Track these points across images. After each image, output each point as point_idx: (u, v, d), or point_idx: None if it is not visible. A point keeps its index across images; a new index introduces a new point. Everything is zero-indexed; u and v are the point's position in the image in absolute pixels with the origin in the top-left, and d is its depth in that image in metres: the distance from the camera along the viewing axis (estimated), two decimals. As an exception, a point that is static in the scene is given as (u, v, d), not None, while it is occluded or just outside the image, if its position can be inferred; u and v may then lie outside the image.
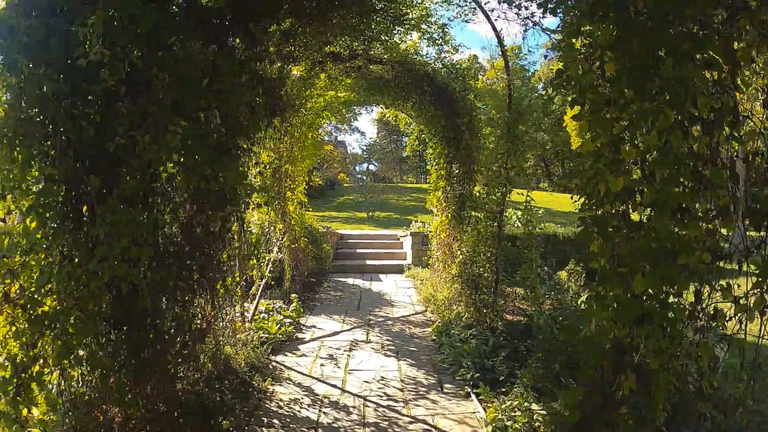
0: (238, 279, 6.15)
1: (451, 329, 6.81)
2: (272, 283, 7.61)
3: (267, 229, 8.65)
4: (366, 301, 9.22)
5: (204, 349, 5.20)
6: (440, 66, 7.93)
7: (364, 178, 45.77)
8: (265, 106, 6.71)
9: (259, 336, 6.55)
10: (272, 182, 7.82)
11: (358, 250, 14.02)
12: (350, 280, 11.26)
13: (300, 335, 7.14)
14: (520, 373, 5.17)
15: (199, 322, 4.86)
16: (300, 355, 6.30)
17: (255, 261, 7.24)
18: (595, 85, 3.00)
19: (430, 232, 10.68)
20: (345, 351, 6.43)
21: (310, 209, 10.95)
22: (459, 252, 8.50)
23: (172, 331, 4.00)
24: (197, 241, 4.24)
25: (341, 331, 7.30)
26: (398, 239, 15.55)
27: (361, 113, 38.62)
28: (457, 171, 8.01)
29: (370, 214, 27.50)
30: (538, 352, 5.31)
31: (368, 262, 12.90)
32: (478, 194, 7.30)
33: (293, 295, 8.12)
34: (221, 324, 5.74)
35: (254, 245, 6.17)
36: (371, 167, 62.01)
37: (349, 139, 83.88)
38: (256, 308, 7.16)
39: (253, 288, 7.29)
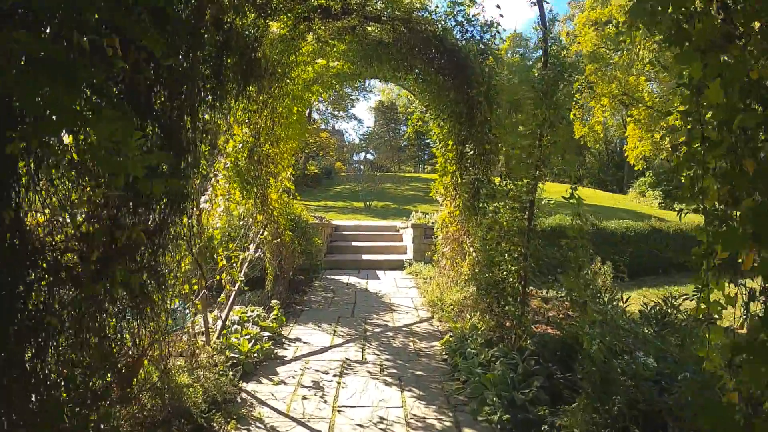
0: (196, 287, 4.73)
1: (467, 346, 5.40)
2: (245, 288, 6.17)
3: (245, 221, 7.19)
4: (362, 305, 7.79)
5: (141, 380, 3.84)
6: (453, 24, 6.42)
7: (362, 167, 44.30)
8: (237, 70, 5.29)
9: (228, 357, 5.14)
10: (248, 165, 6.36)
11: (354, 243, 12.57)
12: (344, 278, 9.82)
13: (281, 352, 5.72)
14: (565, 420, 3.80)
15: (130, 351, 3.49)
16: (278, 383, 4.88)
17: (225, 262, 5.82)
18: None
19: (435, 224, 9.24)
20: (334, 376, 5.01)
21: (298, 197, 9.49)
22: (472, 249, 7.06)
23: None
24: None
25: (331, 347, 5.87)
26: (397, 231, 14.10)
27: (358, 99, 36.98)
28: (470, 152, 6.54)
29: (368, 203, 26.03)
30: (587, 387, 3.93)
31: (365, 256, 11.46)
32: (500, 179, 5.84)
33: (274, 302, 6.68)
34: (170, 347, 4.36)
35: (213, 244, 4.74)
36: (369, 156, 60.47)
37: (346, 126, 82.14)
38: (225, 320, 5.72)
39: (222, 295, 5.85)
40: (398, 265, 10.89)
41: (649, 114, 24.09)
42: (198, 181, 4.71)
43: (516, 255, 5.17)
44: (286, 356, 5.58)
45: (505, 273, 5.32)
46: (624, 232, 12.72)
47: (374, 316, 7.19)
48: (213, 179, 5.93)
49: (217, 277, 5.70)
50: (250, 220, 6.94)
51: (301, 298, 8.15)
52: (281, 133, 7.38)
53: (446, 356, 5.52)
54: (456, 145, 7.09)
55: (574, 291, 4.12)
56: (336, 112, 39.91)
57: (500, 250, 5.44)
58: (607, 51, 23.98)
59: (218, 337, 5.49)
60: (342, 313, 7.28)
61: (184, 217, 3.96)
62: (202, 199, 5.53)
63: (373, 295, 8.50)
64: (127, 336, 3.36)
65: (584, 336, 4.18)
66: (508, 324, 5.44)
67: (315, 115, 39.81)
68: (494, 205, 5.82)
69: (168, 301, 3.84)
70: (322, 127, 39.08)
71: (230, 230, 7.73)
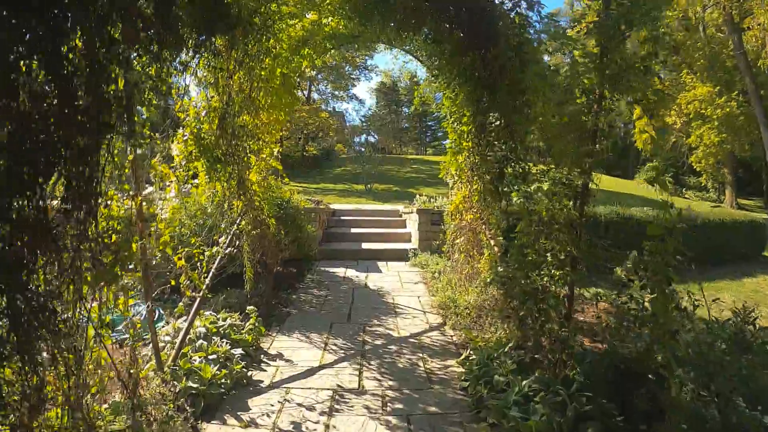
0: (127, 301, 3.45)
1: (493, 371, 4.12)
2: (209, 296, 4.85)
3: (220, 208, 5.86)
4: (360, 306, 6.50)
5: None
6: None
7: (362, 149, 42.72)
8: (195, 14, 4.01)
9: (186, 387, 3.87)
10: (218, 138, 5.01)
11: (353, 230, 11.25)
12: (341, 271, 8.52)
13: (257, 375, 4.44)
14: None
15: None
16: (246, 425, 3.61)
17: (183, 262, 4.51)
18: None
19: (446, 210, 7.90)
20: (322, 414, 3.73)
21: (286, 180, 8.12)
22: (492, 242, 5.73)
23: None
24: None
25: (320, 368, 4.58)
26: (400, 215, 12.76)
27: (359, 79, 35.30)
28: (495, 123, 5.17)
29: (368, 186, 24.65)
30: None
31: (365, 245, 10.14)
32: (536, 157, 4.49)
33: (250, 308, 5.38)
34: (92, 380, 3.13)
35: (165, 239, 3.45)
36: (370, 139, 58.83)
37: (347, 107, 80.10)
38: (186, 335, 4.43)
39: (180, 305, 4.57)
40: (401, 256, 9.57)
41: (660, 96, 22.70)
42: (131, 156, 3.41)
43: (563, 256, 3.84)
44: (262, 382, 4.30)
45: (546, 279, 4.00)
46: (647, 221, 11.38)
47: (374, 321, 5.90)
48: (170, 154, 4.60)
49: (172, 282, 4.40)
50: (226, 206, 5.60)
51: (290, 296, 6.85)
52: (263, 101, 5.99)
53: (466, 383, 4.22)
54: (474, 115, 5.71)
55: (660, 317, 2.81)
56: (336, 92, 38.17)
57: (539, 249, 4.11)
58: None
59: (175, 360, 4.21)
60: (336, 318, 5.98)
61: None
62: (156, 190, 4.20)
63: (373, 293, 7.20)
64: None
65: (672, 378, 2.88)
66: (545, 342, 4.14)
67: (315, 95, 38.18)
68: (526, 188, 4.49)
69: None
70: (322, 107, 37.45)
71: (206, 219, 6.44)
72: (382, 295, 7.03)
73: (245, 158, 5.92)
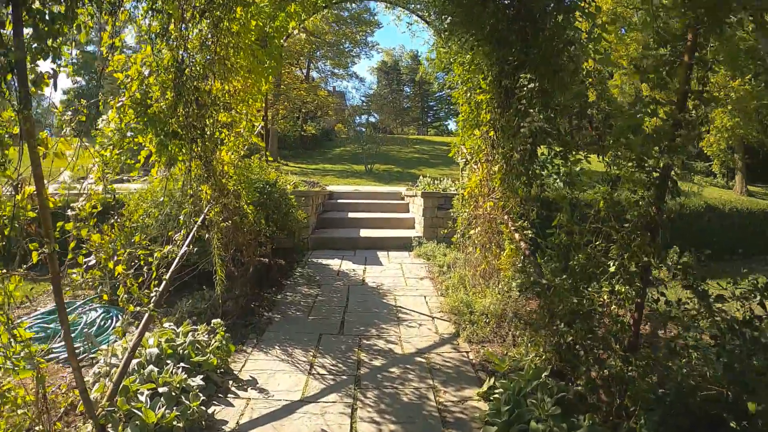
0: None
1: (527, 413, 3.04)
2: (162, 308, 3.73)
3: (184, 194, 4.72)
4: (356, 310, 5.41)
5: None
6: None
7: (363, 129, 41.27)
8: None
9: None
10: (173, 107, 3.85)
11: (351, 215, 10.12)
12: (336, 263, 7.42)
13: (220, 413, 3.37)
14: None
15: None
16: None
17: (122, 267, 3.42)
18: None
19: (457, 194, 6.77)
20: (298, 484, 2.67)
21: (270, 158, 6.84)
22: (517, 235, 4.62)
23: None
24: None
25: (302, 402, 3.50)
26: (402, 198, 11.63)
27: (360, 56, 33.77)
28: (528, 87, 3.97)
29: (369, 167, 23.45)
30: None
31: (363, 232, 9.01)
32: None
33: (216, 321, 4.28)
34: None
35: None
36: (371, 119, 57.27)
37: (347, 85, 78.05)
38: (126, 365, 3.34)
39: (118, 326, 3.49)
40: (404, 244, 8.46)
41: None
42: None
43: (633, 267, 2.71)
44: (225, 424, 3.23)
45: (606, 296, 2.89)
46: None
47: (373, 331, 4.82)
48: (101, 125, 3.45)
49: (105, 296, 3.31)
50: (189, 191, 4.45)
51: (273, 296, 5.77)
52: (235, 63, 4.80)
53: (492, 428, 3.15)
54: (498, 79, 4.53)
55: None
56: (336, 70, 36.56)
57: (593, 253, 2.99)
58: (627, 10, 21.04)
59: (113, 397, 3.13)
60: (326, 327, 4.90)
61: None
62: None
63: (372, 291, 6.10)
64: None
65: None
66: (596, 377, 3.06)
67: (314, 74, 36.62)
68: (568, 169, 3.36)
69: None
70: (321, 86, 35.93)
71: (174, 207, 5.32)
72: (382, 295, 5.94)
73: (215, 133, 4.78)
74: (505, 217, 4.83)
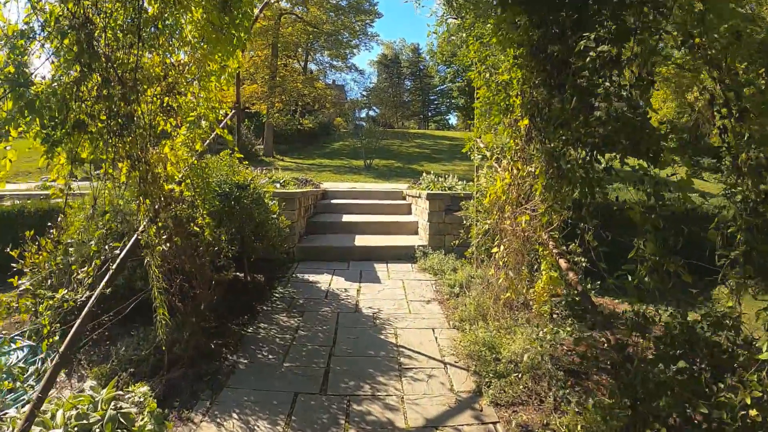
0: None
1: None
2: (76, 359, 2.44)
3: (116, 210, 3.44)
4: (345, 353, 4.12)
5: None
6: None
7: (363, 123, 39.81)
8: None
9: None
10: (74, 86, 2.58)
11: (345, 218, 8.82)
12: (325, 280, 6.14)
13: None
14: None
15: None
16: None
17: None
18: None
19: (473, 200, 5.51)
20: None
21: (239, 154, 5.37)
22: (562, 261, 3.33)
23: None
24: None
25: None
26: (404, 197, 10.35)
27: (359, 48, 32.28)
28: (599, 49, 2.63)
29: (368, 162, 22.11)
30: None
31: (359, 240, 7.72)
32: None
33: (143, 391, 2.99)
34: None
35: None
36: (371, 113, 55.82)
37: (347, 77, 76.33)
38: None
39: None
40: (407, 255, 7.17)
41: (678, 73, 20.11)
42: None
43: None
44: None
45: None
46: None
47: (366, 388, 3.53)
48: None
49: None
50: (104, 205, 3.16)
51: (242, 330, 4.50)
52: (176, 26, 3.49)
53: None
54: (541, 45, 3.20)
55: None
56: (335, 62, 35.03)
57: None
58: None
59: None
60: (305, 382, 3.60)
61: None
62: None
63: (367, 322, 4.81)
64: None
65: None
66: None
67: (312, 66, 35.16)
68: (656, 175, 2.09)
69: None
70: (320, 78, 34.47)
71: (113, 222, 4.08)
72: (379, 327, 4.65)
73: (154, 122, 3.49)
74: (545, 236, 3.53)
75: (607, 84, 2.51)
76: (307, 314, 4.93)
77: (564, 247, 3.45)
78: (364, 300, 5.37)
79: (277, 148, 25.58)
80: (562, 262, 3.36)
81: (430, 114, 61.97)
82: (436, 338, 4.39)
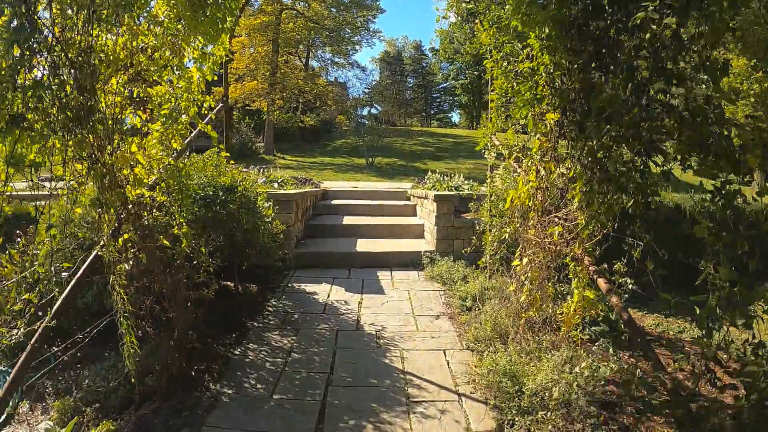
0: None
1: None
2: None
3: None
4: (345, 382, 3.57)
5: None
6: None
7: (366, 122, 39.19)
8: None
9: None
10: (11, 70, 2.06)
11: (346, 220, 8.28)
12: (323, 290, 5.60)
13: None
14: None
15: None
16: None
17: None
18: None
19: (486, 203, 4.97)
20: None
21: (225, 153, 4.76)
22: (601, 280, 2.77)
23: None
24: None
25: None
26: (408, 198, 9.81)
27: (361, 44, 31.67)
28: (665, 23, 2.07)
29: (370, 160, 21.56)
30: None
31: (361, 245, 7.17)
32: None
33: (109, 430, 2.47)
34: None
35: None
36: (373, 111, 55.11)
37: (349, 74, 75.45)
38: None
39: None
40: (412, 261, 6.61)
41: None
42: None
43: None
44: None
45: None
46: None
47: (369, 429, 2.99)
48: None
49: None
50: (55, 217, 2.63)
51: (229, 351, 3.96)
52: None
53: None
54: (579, 21, 2.64)
55: None
56: (336, 59, 34.37)
57: None
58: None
59: None
60: (297, 419, 3.05)
61: None
62: None
63: (369, 342, 4.26)
64: None
65: None
66: None
67: (314, 63, 34.53)
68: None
69: None
70: (322, 75, 33.83)
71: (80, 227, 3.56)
72: (383, 349, 4.10)
73: (112, 118, 2.96)
74: (579, 250, 2.97)
75: (676, 66, 1.95)
76: (303, 332, 4.38)
77: (604, 265, 2.90)
78: (366, 315, 4.83)
79: (277, 146, 25.04)
80: (601, 282, 2.81)
81: (432, 112, 61.38)
82: (447, 362, 3.84)
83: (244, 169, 16.53)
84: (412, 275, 6.21)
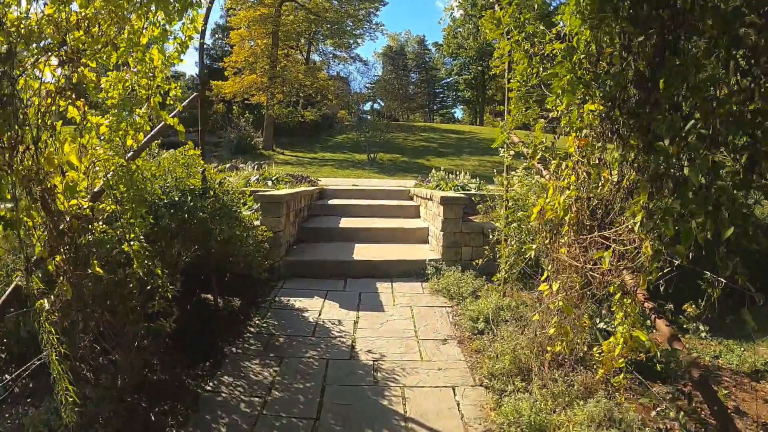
0: None
1: None
2: None
3: None
4: (332, 429, 2.94)
5: None
6: None
7: (368, 117, 38.40)
8: None
9: None
10: None
11: (344, 222, 7.61)
12: (315, 306, 4.95)
13: None
14: None
15: None
16: None
17: None
18: None
19: (506, 211, 4.32)
20: None
21: (192, 150, 4.09)
22: (672, 333, 2.09)
23: None
24: None
25: None
26: (411, 197, 9.16)
27: (363, 37, 30.85)
28: None
29: (372, 156, 20.88)
30: None
31: (359, 251, 6.50)
32: None
33: None
34: None
35: None
36: (375, 106, 54.25)
37: (351, 69, 74.49)
38: None
39: None
40: (415, 270, 5.94)
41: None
42: None
43: None
44: None
45: None
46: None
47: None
48: None
49: None
50: None
51: (200, 384, 3.32)
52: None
53: None
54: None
55: None
56: (338, 52, 33.55)
57: None
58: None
59: None
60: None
61: None
62: None
63: (365, 375, 3.59)
64: None
65: None
66: None
67: (315, 57, 33.74)
68: None
69: None
70: (323, 69, 33.03)
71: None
72: (381, 386, 3.43)
73: (45, 108, 2.31)
74: (632, 281, 2.30)
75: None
76: (287, 362, 3.73)
77: (669, 305, 2.25)
78: (362, 338, 4.17)
79: (277, 141, 24.38)
80: (661, 324, 2.15)
81: (435, 107, 60.61)
82: (458, 404, 3.19)
83: (242, 165, 15.90)
84: (415, 287, 5.55)
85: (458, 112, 63.59)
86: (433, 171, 10.97)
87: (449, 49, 55.49)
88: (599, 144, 2.36)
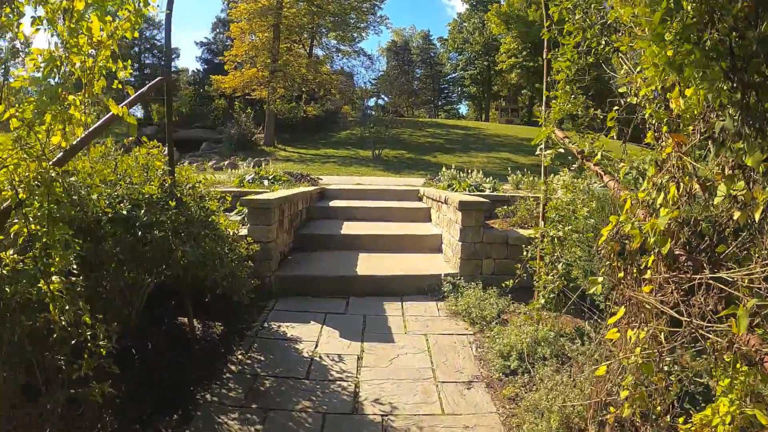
0: None
1: None
2: None
3: None
4: None
5: None
6: None
7: (372, 112, 37.49)
8: None
9: None
10: None
11: (345, 228, 6.81)
12: (311, 335, 4.15)
13: None
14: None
15: None
16: None
17: None
18: None
19: (547, 225, 3.51)
20: None
21: (148, 148, 3.35)
22: None
23: None
24: None
25: None
26: (420, 198, 8.37)
27: (368, 28, 29.91)
28: None
29: (377, 152, 20.06)
30: None
31: (363, 264, 5.69)
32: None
33: None
34: None
35: None
36: (380, 101, 53.28)
37: (355, 63, 73.40)
38: None
39: None
40: (429, 287, 5.12)
41: None
42: None
43: None
44: None
45: None
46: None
47: None
48: None
49: None
50: None
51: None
52: None
53: None
54: None
55: None
56: (342, 46, 32.59)
57: None
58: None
59: None
60: None
61: None
62: None
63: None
64: None
65: None
66: None
67: (318, 52, 32.82)
68: None
69: None
70: (327, 64, 32.11)
71: None
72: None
73: None
74: (758, 343, 1.49)
75: None
76: (273, 416, 2.93)
77: None
78: (367, 381, 3.37)
79: (279, 137, 23.60)
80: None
81: (440, 103, 59.66)
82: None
83: (241, 162, 15.06)
84: (429, 308, 4.74)
85: (463, 108, 62.61)
86: (443, 169, 10.16)
87: (454, 44, 54.49)
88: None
